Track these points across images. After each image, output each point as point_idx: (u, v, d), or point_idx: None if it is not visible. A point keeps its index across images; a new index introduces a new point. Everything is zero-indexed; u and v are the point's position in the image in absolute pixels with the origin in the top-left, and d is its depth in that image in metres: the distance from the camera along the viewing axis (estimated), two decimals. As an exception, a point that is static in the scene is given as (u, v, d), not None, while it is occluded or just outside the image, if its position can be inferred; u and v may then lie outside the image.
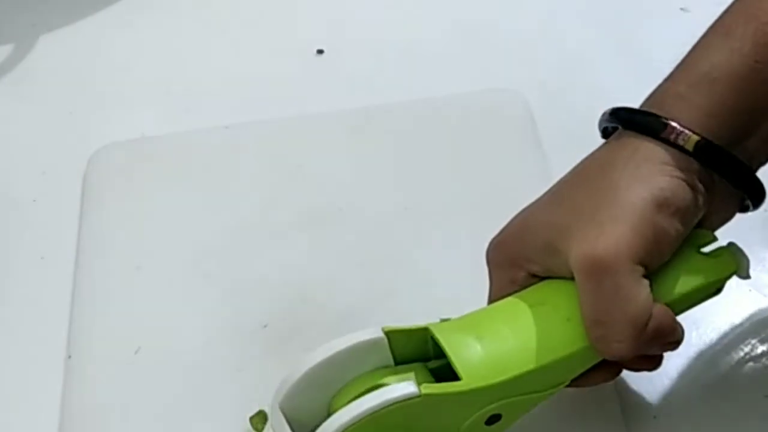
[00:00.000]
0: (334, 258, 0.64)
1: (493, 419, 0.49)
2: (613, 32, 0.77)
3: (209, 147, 0.71)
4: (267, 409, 0.54)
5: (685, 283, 0.51)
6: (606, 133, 0.54)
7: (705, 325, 0.59)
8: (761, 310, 0.60)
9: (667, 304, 0.50)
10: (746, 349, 0.58)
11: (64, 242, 0.67)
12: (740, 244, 0.58)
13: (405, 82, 0.75)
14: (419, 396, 0.47)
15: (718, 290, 0.53)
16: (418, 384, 0.47)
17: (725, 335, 0.59)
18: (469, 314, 0.51)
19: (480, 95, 0.73)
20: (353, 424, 0.47)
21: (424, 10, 0.80)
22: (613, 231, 0.48)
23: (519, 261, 0.51)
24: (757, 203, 0.52)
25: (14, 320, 0.64)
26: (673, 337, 0.50)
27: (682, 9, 0.78)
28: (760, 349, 0.58)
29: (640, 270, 0.48)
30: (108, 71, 0.78)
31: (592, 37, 0.77)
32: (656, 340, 0.49)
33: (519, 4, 0.80)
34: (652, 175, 0.49)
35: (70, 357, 0.61)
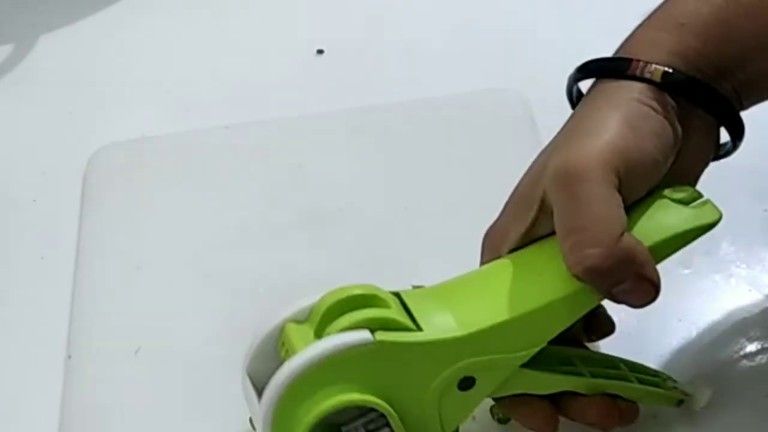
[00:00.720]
0: (334, 258, 0.64)
1: (467, 383, 0.48)
2: (613, 32, 0.76)
3: (209, 147, 0.71)
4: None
5: (670, 224, 0.49)
6: (572, 98, 0.54)
7: (704, 324, 0.59)
8: (761, 310, 0.60)
9: (653, 245, 0.48)
10: (746, 349, 0.58)
11: (64, 242, 0.67)
12: (740, 244, 0.58)
13: (405, 82, 0.75)
14: (373, 343, 0.46)
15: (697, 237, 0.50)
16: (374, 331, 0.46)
17: (725, 335, 0.59)
18: (443, 282, 0.50)
19: (480, 95, 0.73)
20: (306, 369, 0.45)
21: (424, 10, 0.80)
22: (585, 142, 0.47)
23: (506, 234, 0.51)
24: (735, 136, 0.51)
25: (14, 320, 0.64)
26: (647, 270, 0.47)
27: (682, 9, 0.78)
28: (760, 348, 0.58)
29: (614, 180, 0.47)
30: (108, 71, 0.78)
31: (593, 37, 0.76)
32: (629, 263, 0.47)
33: (519, 4, 0.80)
34: (624, 103, 0.49)
35: (70, 357, 0.61)
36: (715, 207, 0.50)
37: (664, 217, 0.49)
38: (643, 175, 0.48)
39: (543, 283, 0.48)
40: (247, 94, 0.75)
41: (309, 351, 0.46)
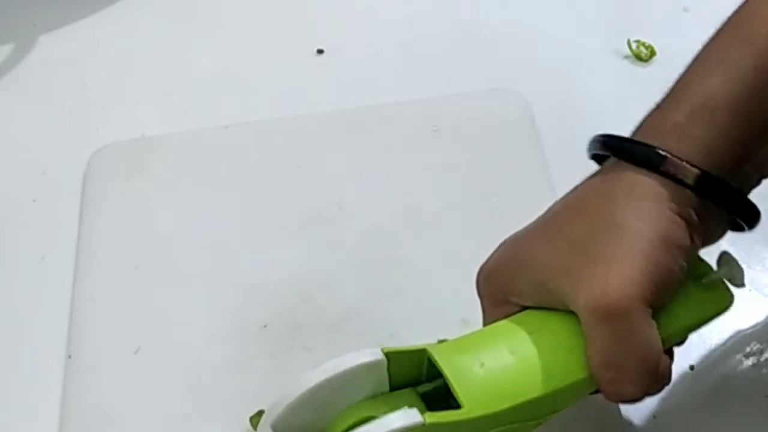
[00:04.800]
0: (334, 258, 0.64)
1: None
2: (614, 32, 0.77)
3: (209, 147, 0.71)
4: (267, 410, 0.54)
5: (687, 317, 0.50)
6: (594, 156, 0.53)
7: (705, 325, 0.59)
8: (761, 310, 0.60)
9: (668, 337, 0.49)
10: (746, 349, 0.58)
11: (64, 242, 0.67)
12: (740, 243, 0.58)
13: (405, 82, 0.75)
14: (423, 425, 0.46)
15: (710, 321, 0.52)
16: (421, 413, 0.46)
17: (725, 335, 0.59)
18: (468, 335, 0.50)
19: (480, 95, 0.73)
20: None
21: (424, 10, 0.80)
22: (623, 272, 0.47)
23: (511, 296, 0.51)
24: (751, 226, 0.51)
25: (14, 320, 0.64)
26: (668, 380, 0.49)
27: (684, 9, 0.78)
28: (761, 348, 0.58)
29: (650, 312, 0.47)
30: (108, 71, 0.78)
31: (593, 37, 0.77)
32: (660, 384, 0.49)
33: (519, 5, 0.80)
34: (655, 214, 0.48)
35: (70, 357, 0.61)
36: (728, 290, 0.52)
37: (688, 305, 0.50)
38: (674, 290, 0.49)
39: (573, 362, 0.48)
40: (247, 93, 0.75)
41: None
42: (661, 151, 0.48)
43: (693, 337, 0.58)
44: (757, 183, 0.51)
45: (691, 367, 0.58)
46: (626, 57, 0.75)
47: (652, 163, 0.48)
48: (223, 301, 0.63)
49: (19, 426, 0.59)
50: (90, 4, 0.82)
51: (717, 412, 0.56)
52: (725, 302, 0.52)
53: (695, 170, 0.48)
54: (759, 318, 0.60)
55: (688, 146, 0.48)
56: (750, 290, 0.61)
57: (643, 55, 0.74)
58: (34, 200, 0.70)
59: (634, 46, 0.74)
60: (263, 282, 0.63)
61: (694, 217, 0.49)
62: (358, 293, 0.62)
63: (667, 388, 0.56)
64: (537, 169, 0.67)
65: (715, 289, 0.51)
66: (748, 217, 0.51)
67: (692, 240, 0.49)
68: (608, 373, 0.47)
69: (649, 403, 0.56)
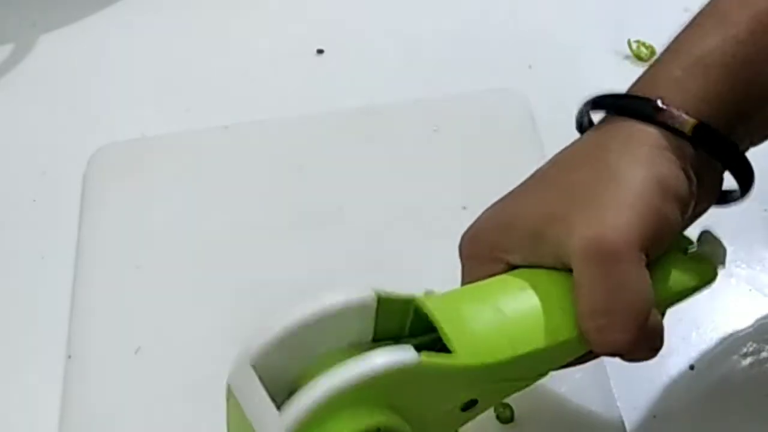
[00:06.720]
0: (334, 258, 0.64)
1: (470, 404, 0.47)
2: (614, 32, 0.77)
3: (209, 147, 0.71)
4: (244, 346, 0.50)
5: (675, 284, 0.49)
6: (582, 128, 0.52)
7: (705, 324, 0.59)
8: (761, 310, 0.60)
9: (656, 301, 0.47)
10: (746, 349, 0.58)
11: (64, 242, 0.67)
12: (740, 244, 0.58)
13: (405, 82, 0.75)
14: (417, 364, 0.43)
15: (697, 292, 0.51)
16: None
17: (725, 335, 0.59)
18: (456, 289, 0.49)
19: (480, 95, 0.73)
20: (345, 388, 0.42)
21: (424, 10, 0.80)
22: (621, 215, 0.45)
23: (499, 253, 0.49)
24: (745, 191, 0.51)
25: (14, 320, 0.64)
26: (659, 343, 0.48)
27: (684, 9, 0.78)
28: (760, 348, 0.58)
29: (644, 259, 0.46)
30: (108, 71, 0.78)
31: (593, 38, 0.77)
32: (650, 339, 0.47)
33: (519, 5, 0.80)
34: (652, 159, 0.47)
35: (70, 357, 0.61)
36: (713, 264, 0.51)
37: (676, 272, 0.49)
38: (666, 243, 0.48)
39: (564, 319, 0.47)
40: (247, 94, 0.75)
41: (353, 365, 0.43)
42: (658, 102, 0.48)
43: (693, 337, 0.59)
44: (746, 148, 0.50)
45: (691, 367, 0.58)
46: (626, 57, 0.75)
47: (649, 114, 0.48)
48: (224, 300, 0.63)
49: (19, 426, 0.59)
50: (90, 4, 0.82)
51: (717, 412, 0.56)
52: (709, 275, 0.50)
53: (693, 120, 0.48)
54: (759, 318, 0.60)
55: (683, 98, 0.48)
56: (750, 290, 0.61)
57: (643, 55, 0.74)
58: (34, 200, 0.70)
59: (634, 46, 0.74)
60: (263, 282, 0.63)
61: (691, 172, 0.48)
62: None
63: (667, 389, 0.57)
64: (537, 169, 0.67)
65: (700, 262, 0.50)
66: (742, 176, 0.50)
67: (690, 192, 0.48)
68: (596, 321, 0.45)
69: (649, 403, 0.56)
